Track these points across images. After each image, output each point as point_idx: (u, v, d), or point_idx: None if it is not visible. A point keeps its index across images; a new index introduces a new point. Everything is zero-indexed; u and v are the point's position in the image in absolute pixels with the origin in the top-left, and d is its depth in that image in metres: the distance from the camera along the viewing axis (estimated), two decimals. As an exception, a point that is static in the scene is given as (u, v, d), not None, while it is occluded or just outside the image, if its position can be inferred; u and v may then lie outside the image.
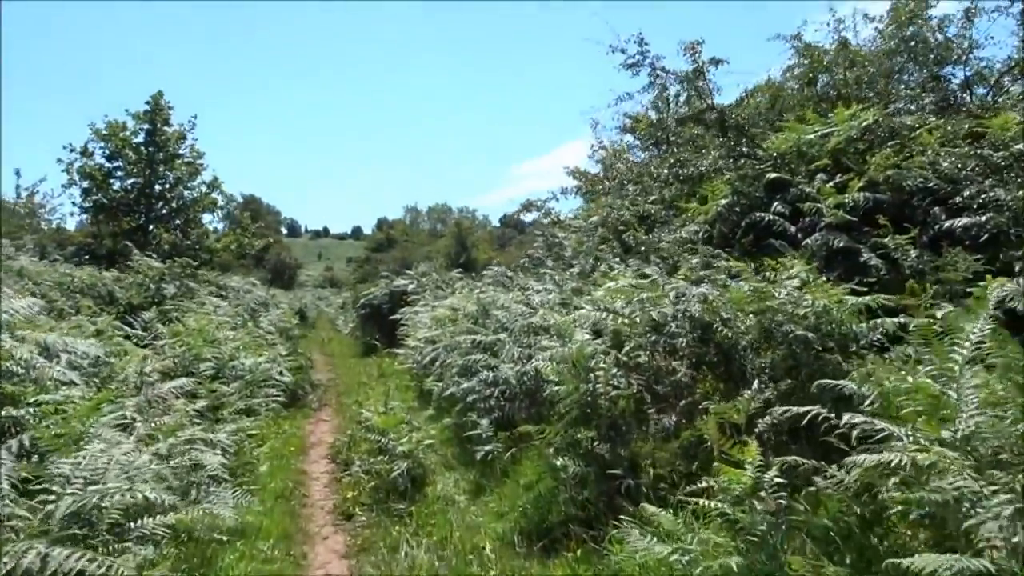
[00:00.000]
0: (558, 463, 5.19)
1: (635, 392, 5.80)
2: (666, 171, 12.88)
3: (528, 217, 17.56)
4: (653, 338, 6.08)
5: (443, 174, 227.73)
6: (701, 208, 10.23)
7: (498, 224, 74.06)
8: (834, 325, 5.62)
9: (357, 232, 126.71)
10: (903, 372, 4.13)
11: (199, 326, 8.40)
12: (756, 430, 4.86)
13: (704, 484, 4.75)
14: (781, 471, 4.33)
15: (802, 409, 4.52)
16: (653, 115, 15.94)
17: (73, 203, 22.14)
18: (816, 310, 5.65)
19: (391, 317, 16.61)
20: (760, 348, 5.86)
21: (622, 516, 4.88)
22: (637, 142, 16.84)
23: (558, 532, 4.96)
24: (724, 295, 5.97)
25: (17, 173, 22.13)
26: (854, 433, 4.22)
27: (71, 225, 23.89)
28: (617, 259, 9.95)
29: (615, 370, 6.00)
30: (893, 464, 3.32)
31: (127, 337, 8.09)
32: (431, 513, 5.81)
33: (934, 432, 3.37)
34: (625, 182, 13.89)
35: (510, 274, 11.26)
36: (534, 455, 6.25)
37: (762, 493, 4.14)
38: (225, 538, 4.79)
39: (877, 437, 3.98)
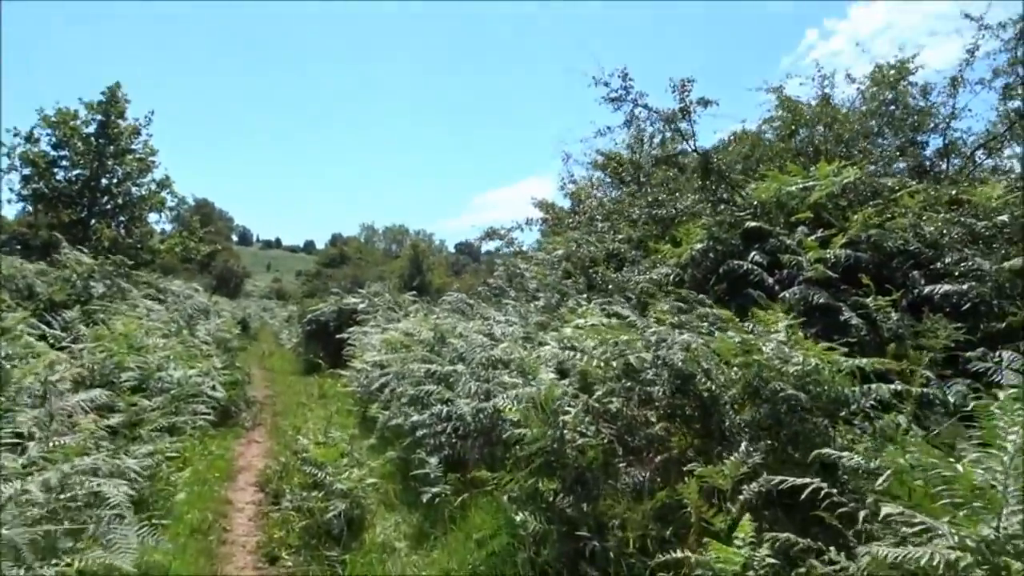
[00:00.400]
0: (518, 518, 4.57)
1: (605, 442, 5.25)
2: (638, 211, 12.53)
3: (489, 245, 17.02)
4: (628, 384, 5.54)
5: (403, 196, 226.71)
6: (674, 251, 9.84)
7: (454, 251, 73.58)
8: (825, 386, 5.17)
9: (310, 246, 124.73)
10: (918, 450, 3.66)
11: (126, 330, 7.59)
12: (741, 497, 4.34)
13: (680, 554, 4.21)
14: (774, 550, 3.82)
15: (801, 481, 4.03)
16: (626, 153, 15.67)
17: (11, 190, 20.86)
18: (807, 368, 5.20)
19: (338, 336, 15.82)
20: (742, 405, 5.38)
21: (586, 585, 4.30)
22: (608, 179, 16.54)
23: (514, 601, 4.33)
24: (708, 344, 5.47)
25: None
26: (861, 514, 3.74)
27: (10, 213, 22.46)
28: (584, 295, 9.46)
29: (585, 416, 5.45)
30: (923, 562, 2.82)
31: (43, 337, 7.25)
32: (367, 563, 5.11)
33: (971, 528, 2.88)
34: (595, 218, 13.49)
35: (470, 302, 10.68)
36: (486, 503, 5.62)
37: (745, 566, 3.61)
38: (123, 585, 4.04)
39: (884, 520, 3.51)
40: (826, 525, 4.35)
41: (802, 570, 4.03)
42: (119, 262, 9.93)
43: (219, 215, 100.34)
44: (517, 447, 6.24)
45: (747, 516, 3.83)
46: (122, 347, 6.89)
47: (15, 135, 20.63)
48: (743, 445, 4.61)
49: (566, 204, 17.03)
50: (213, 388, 9.14)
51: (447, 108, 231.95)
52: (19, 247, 18.99)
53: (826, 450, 4.22)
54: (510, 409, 5.64)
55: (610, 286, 10.31)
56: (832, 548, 3.89)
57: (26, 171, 20.83)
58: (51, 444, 4.11)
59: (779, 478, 4.25)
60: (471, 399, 6.78)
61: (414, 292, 20.20)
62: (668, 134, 14.70)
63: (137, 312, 9.74)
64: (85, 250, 10.07)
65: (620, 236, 12.55)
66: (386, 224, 76.25)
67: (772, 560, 3.66)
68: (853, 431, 5.01)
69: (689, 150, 11.55)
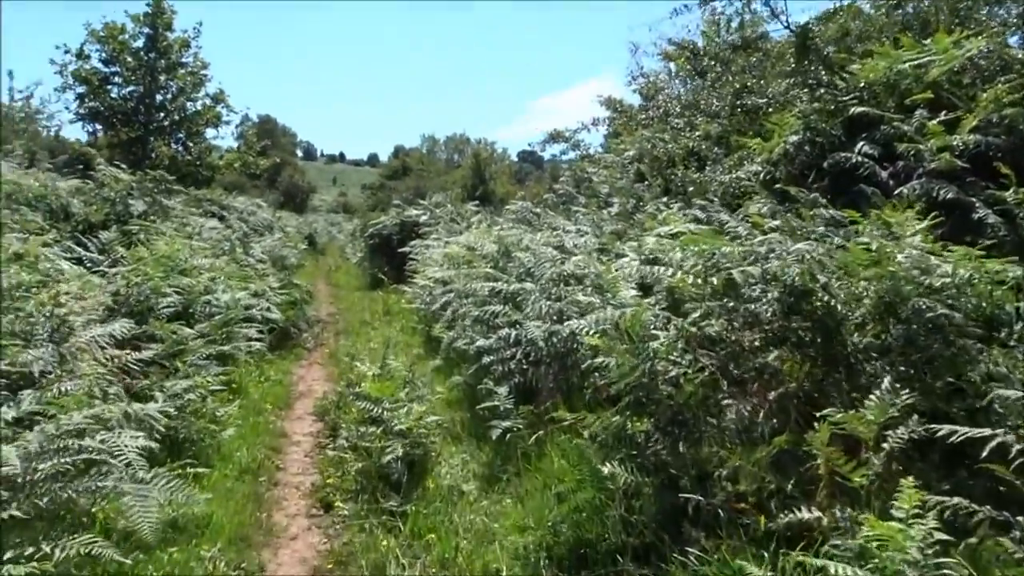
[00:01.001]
0: (605, 470, 3.80)
1: (705, 374, 4.39)
2: (718, 102, 11.23)
3: (553, 149, 15.90)
4: (729, 303, 4.62)
5: (461, 105, 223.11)
6: (764, 145, 8.65)
7: (516, 159, 71.93)
8: (984, 304, 4.16)
9: (373, 159, 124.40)
10: None
11: (168, 251, 7.01)
12: (886, 446, 3.46)
13: (807, 515, 3.40)
14: (941, 519, 2.96)
15: (975, 431, 3.12)
16: (701, 41, 14.16)
17: (67, 109, 20.61)
18: (958, 281, 4.18)
19: (400, 250, 15.19)
20: (871, 327, 4.43)
21: (689, 550, 3.54)
22: (680, 71, 15.07)
23: (603, 569, 3.61)
24: (831, 254, 4.49)
25: (10, 75, 20.58)
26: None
27: (73, 134, 22.27)
28: (662, 199, 8.43)
29: (677, 342, 4.59)
30: None
31: (79, 261, 6.73)
32: (431, 513, 4.47)
33: None
34: (670, 113, 12.22)
35: (536, 211, 9.73)
36: (565, 444, 4.88)
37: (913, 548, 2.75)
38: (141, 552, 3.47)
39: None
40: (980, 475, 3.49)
41: (973, 540, 3.19)
42: (159, 177, 9.29)
43: (283, 131, 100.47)
44: (596, 375, 5.48)
45: (905, 477, 2.96)
46: (159, 270, 6.31)
47: (66, 52, 20.21)
48: (886, 381, 3.68)
49: (635, 101, 15.69)
50: (268, 310, 8.60)
51: (501, 15, 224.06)
52: (80, 168, 18.78)
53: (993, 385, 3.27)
54: (588, 334, 4.82)
55: (690, 188, 9.24)
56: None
57: (80, 89, 20.50)
58: (53, 392, 3.52)
59: (935, 426, 3.35)
60: (542, 321, 5.98)
61: (476, 202, 19.32)
62: (748, 15, 13.15)
63: (186, 231, 9.20)
64: (123, 166, 9.48)
65: (697, 132, 11.32)
66: (447, 134, 74.88)
67: (943, 536, 2.80)
68: (1014, 356, 4.03)
69: (778, 29, 10.15)
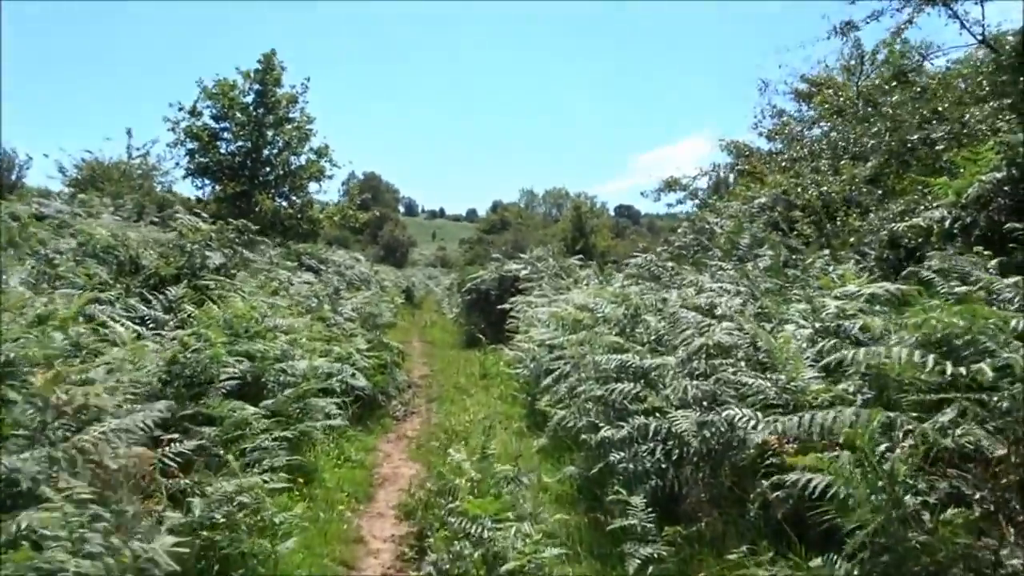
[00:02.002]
0: None
1: (973, 512, 2.87)
2: (869, 139, 9.63)
3: (668, 199, 14.51)
4: (1004, 405, 3.09)
5: (560, 160, 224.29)
6: (950, 185, 7.02)
7: (613, 213, 70.72)
8: None
9: (472, 214, 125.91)
10: None
11: (243, 310, 6.02)
12: None
13: None
14: None
15: None
16: (840, 78, 12.62)
17: (178, 164, 20.76)
18: None
19: (500, 307, 14.03)
20: None
21: None
22: (812, 110, 13.51)
23: None
24: None
25: (128, 133, 20.95)
26: None
27: (185, 190, 22.47)
28: (825, 252, 6.89)
29: (912, 458, 3.09)
30: None
31: (141, 321, 5.80)
32: None
33: None
34: (820, 153, 10.66)
35: (663, 265, 8.30)
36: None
37: None
38: None
39: None
40: None
41: None
42: (242, 227, 8.47)
43: (386, 187, 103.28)
44: (765, 482, 4.01)
45: None
46: (223, 334, 5.27)
47: (179, 109, 20.43)
48: None
49: (761, 144, 14.20)
50: (352, 376, 7.49)
51: (598, 69, 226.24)
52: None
53: None
54: (800, 456, 3.39)
55: (851, 238, 7.64)
56: None
57: (191, 145, 20.65)
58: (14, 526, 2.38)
59: None
60: (690, 407, 4.55)
61: (580, 256, 18.05)
62: (899, 44, 11.54)
63: (271, 285, 8.28)
64: (204, 215, 8.68)
65: (842, 176, 9.73)
66: (546, 188, 74.45)
67: None
68: None
69: (952, 46, 8.53)
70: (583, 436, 5.51)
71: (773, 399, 4.33)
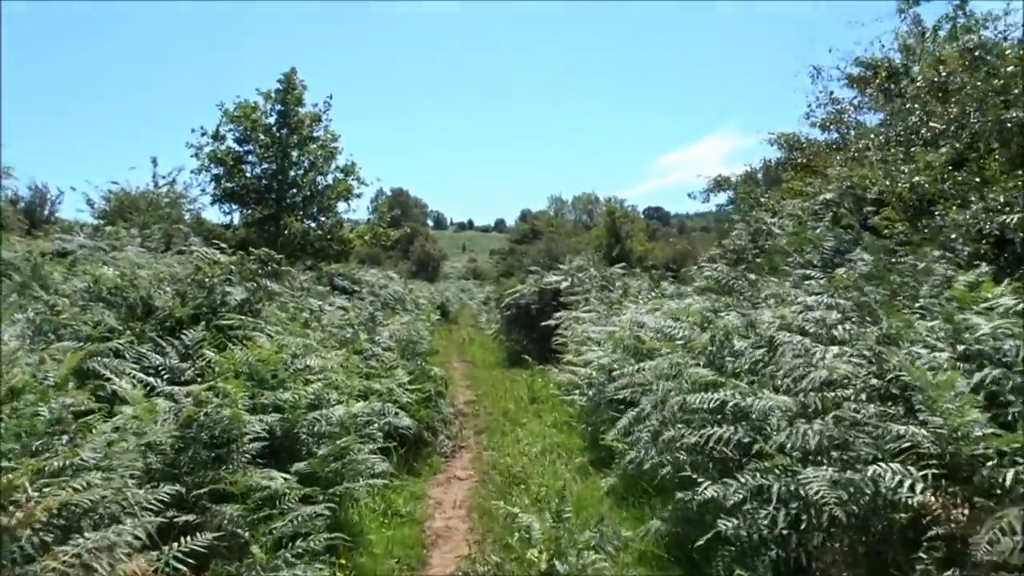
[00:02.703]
0: None
1: None
2: (937, 124, 8.64)
3: (718, 199, 13.54)
4: None
5: (585, 166, 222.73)
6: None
7: (643, 215, 69.41)
8: None
9: (500, 224, 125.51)
10: None
11: (268, 353, 5.27)
12: None
13: None
14: None
15: None
16: (898, 58, 11.61)
17: (203, 191, 20.29)
18: None
19: (543, 323, 13.19)
20: None
21: None
22: (867, 98, 12.46)
23: None
24: None
25: (154, 162, 20.49)
26: None
27: (215, 216, 21.89)
28: (935, 254, 5.94)
29: None
30: None
31: (156, 371, 5.07)
32: None
33: None
34: (884, 142, 9.67)
35: (738, 277, 7.30)
36: None
37: None
38: None
39: None
40: None
41: None
42: (266, 257, 7.61)
43: (414, 202, 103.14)
44: (926, 556, 3.14)
45: None
46: (242, 387, 4.49)
47: (202, 134, 19.98)
48: None
49: (813, 135, 13.15)
50: (396, 415, 6.71)
51: (615, 71, 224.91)
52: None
53: None
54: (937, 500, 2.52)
55: (952, 234, 6.68)
56: None
57: (216, 170, 20.19)
58: None
59: None
60: (815, 458, 3.66)
61: (623, 264, 17.14)
62: (962, 18, 10.53)
63: (300, 317, 7.54)
64: (223, 245, 7.91)
65: (918, 164, 8.75)
66: (574, 194, 73.18)
67: None
68: None
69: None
70: (676, 492, 4.63)
71: (926, 448, 3.44)
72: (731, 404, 4.07)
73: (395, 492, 6.24)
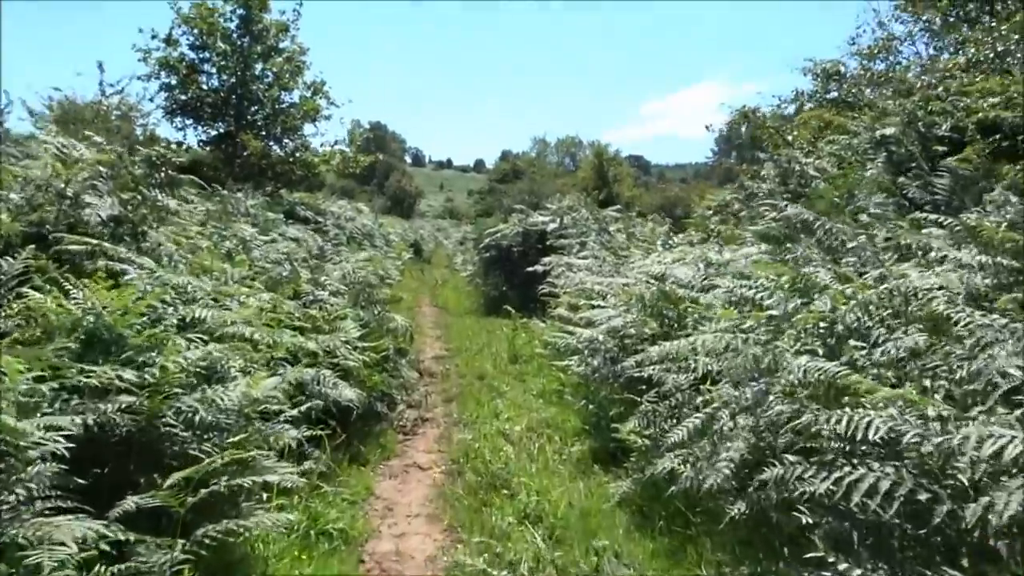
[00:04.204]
0: None
1: None
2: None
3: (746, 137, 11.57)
4: None
5: (568, 110, 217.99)
6: None
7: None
8: None
9: (480, 165, 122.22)
10: None
11: (122, 300, 3.30)
12: None
13: None
14: None
15: None
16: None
17: (150, 100, 17.76)
18: None
19: (528, 269, 11.30)
20: None
21: None
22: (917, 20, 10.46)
23: None
24: None
25: (100, 67, 17.51)
26: None
27: (171, 133, 19.21)
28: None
29: None
30: None
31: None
32: None
33: None
34: (966, 68, 7.76)
35: (809, 219, 5.39)
36: None
37: None
38: None
39: None
40: None
41: None
42: (158, 158, 5.32)
43: (392, 136, 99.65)
44: None
45: None
46: (38, 361, 2.56)
47: (152, 37, 17.39)
48: None
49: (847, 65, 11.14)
50: (334, 386, 4.83)
51: (603, 15, 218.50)
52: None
53: None
54: None
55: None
56: None
57: (168, 79, 17.68)
58: None
59: None
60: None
61: (618, 208, 15.21)
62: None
63: (222, 247, 5.57)
64: (99, 138, 5.64)
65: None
66: (558, 136, 70.03)
67: None
68: None
69: None
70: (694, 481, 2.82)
71: None
72: (909, 436, 2.22)
73: (322, 498, 4.38)
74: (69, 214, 4.03)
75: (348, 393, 4.93)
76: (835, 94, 10.39)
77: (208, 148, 18.66)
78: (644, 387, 5.01)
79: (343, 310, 6.15)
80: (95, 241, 3.77)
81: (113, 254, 3.86)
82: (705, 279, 5.22)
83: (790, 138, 10.31)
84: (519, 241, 14.10)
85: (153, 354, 3.32)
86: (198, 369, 3.47)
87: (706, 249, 6.32)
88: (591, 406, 6.12)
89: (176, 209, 5.27)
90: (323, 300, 6.17)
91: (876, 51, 10.51)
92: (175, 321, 3.64)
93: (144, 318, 3.46)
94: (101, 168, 4.25)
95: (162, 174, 4.32)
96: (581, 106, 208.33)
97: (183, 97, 17.87)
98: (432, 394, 7.47)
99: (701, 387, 4.38)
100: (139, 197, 4.33)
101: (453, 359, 9.21)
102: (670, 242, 7.77)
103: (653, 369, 4.61)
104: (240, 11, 17.82)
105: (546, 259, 10.68)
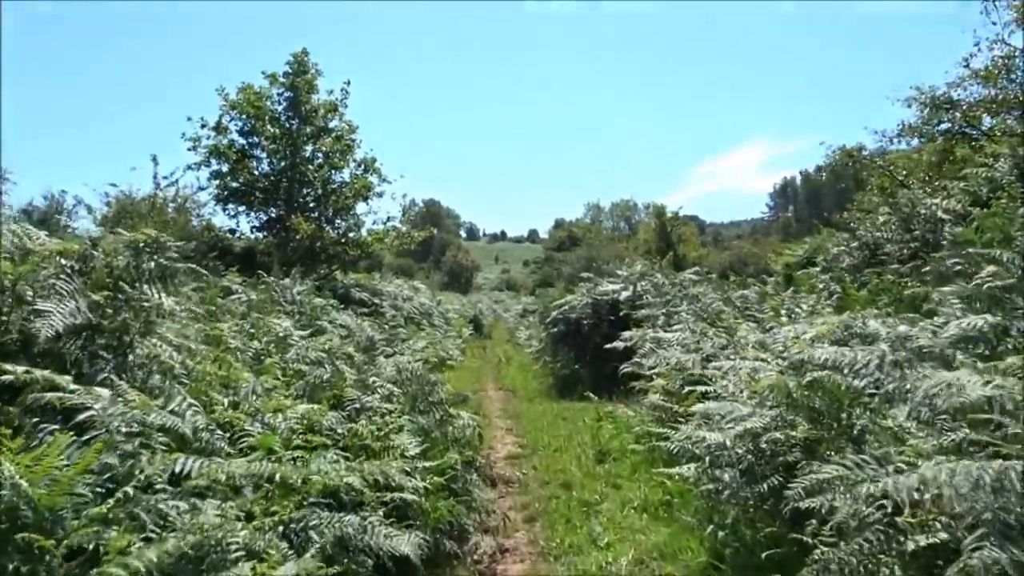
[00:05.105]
0: None
1: None
2: None
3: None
4: None
5: (617, 178, 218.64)
6: None
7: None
8: None
9: (533, 235, 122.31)
10: None
11: (43, 464, 2.14)
12: None
13: None
14: None
15: None
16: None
17: (201, 188, 17.35)
18: None
19: (606, 346, 9.96)
20: None
21: None
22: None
23: None
24: None
25: (154, 160, 17.17)
26: None
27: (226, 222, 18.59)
28: None
29: None
30: None
31: None
32: None
33: None
34: None
35: None
36: None
37: None
38: None
39: None
40: None
41: None
42: (152, 244, 4.06)
43: (447, 212, 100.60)
44: None
45: None
46: None
47: (202, 126, 17.08)
48: None
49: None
50: (386, 537, 3.55)
51: (649, 81, 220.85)
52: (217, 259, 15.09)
53: None
54: None
55: None
56: None
57: (219, 166, 17.28)
58: None
59: None
60: None
61: (695, 270, 13.80)
62: None
63: (239, 356, 4.45)
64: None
65: None
66: (612, 201, 68.92)
67: None
68: None
69: None
70: None
71: None
72: None
73: None
74: (25, 327, 2.94)
75: (405, 547, 3.63)
76: (947, 125, 8.97)
77: (262, 233, 18.14)
78: (785, 500, 3.58)
79: (397, 419, 4.90)
80: (21, 369, 2.61)
81: (63, 386, 2.70)
82: (879, 364, 3.81)
83: (901, 177, 8.84)
84: (589, 313, 12.79)
85: (104, 542, 2.09)
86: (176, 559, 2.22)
87: (854, 319, 4.89)
88: (720, 531, 4.66)
89: (171, 308, 4.15)
90: (372, 408, 4.93)
91: (997, 71, 9.02)
92: (144, 479, 2.44)
93: (93, 482, 2.27)
94: (64, 262, 3.18)
95: (153, 263, 3.27)
96: (631, 172, 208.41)
97: (234, 184, 17.45)
98: (510, 509, 6.09)
99: (898, 520, 3.02)
100: (120, 297, 3.27)
101: (530, 458, 7.82)
102: (796, 310, 6.36)
103: (839, 503, 3.19)
104: (288, 94, 17.49)
105: (626, 333, 9.33)
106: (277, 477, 3.26)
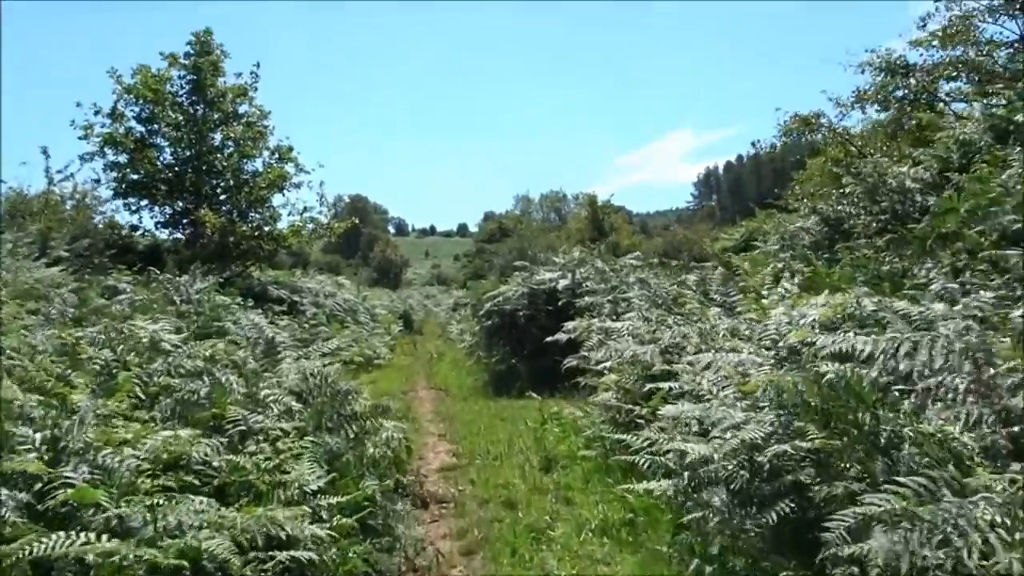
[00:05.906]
0: None
1: None
2: None
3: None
4: None
5: (541, 169, 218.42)
6: None
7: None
8: None
9: (463, 229, 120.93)
10: None
11: None
12: None
13: None
14: None
15: None
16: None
17: (96, 182, 15.57)
18: None
19: (546, 339, 9.03)
20: None
21: None
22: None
23: None
24: None
25: (45, 153, 15.10)
26: None
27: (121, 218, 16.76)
28: None
29: None
30: None
31: None
32: None
33: None
34: None
35: None
36: None
37: None
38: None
39: None
40: None
41: None
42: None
43: (374, 208, 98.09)
44: None
45: None
46: None
47: (96, 112, 15.29)
48: None
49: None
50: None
51: (572, 70, 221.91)
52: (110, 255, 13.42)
53: None
54: None
55: None
56: None
57: (115, 157, 15.53)
58: None
59: None
60: None
61: (637, 255, 13.05)
62: None
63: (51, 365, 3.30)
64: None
65: None
66: (541, 192, 68.06)
67: None
68: None
69: None
70: None
71: None
72: None
73: None
74: None
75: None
76: (902, 92, 8.36)
77: (168, 230, 16.50)
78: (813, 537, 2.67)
79: (296, 443, 3.79)
80: None
81: None
82: (909, 352, 2.95)
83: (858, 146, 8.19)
84: (525, 304, 11.85)
85: None
86: None
87: (855, 297, 4.05)
88: (707, 565, 3.73)
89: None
90: (264, 429, 3.81)
91: (953, 33, 8.38)
92: None
93: None
94: None
95: None
96: (555, 164, 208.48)
97: (134, 176, 15.74)
98: (445, 538, 5.05)
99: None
100: None
101: (466, 470, 6.78)
102: (782, 291, 5.50)
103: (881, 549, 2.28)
104: (190, 77, 15.86)
105: (569, 324, 8.41)
106: (89, 558, 2.14)
